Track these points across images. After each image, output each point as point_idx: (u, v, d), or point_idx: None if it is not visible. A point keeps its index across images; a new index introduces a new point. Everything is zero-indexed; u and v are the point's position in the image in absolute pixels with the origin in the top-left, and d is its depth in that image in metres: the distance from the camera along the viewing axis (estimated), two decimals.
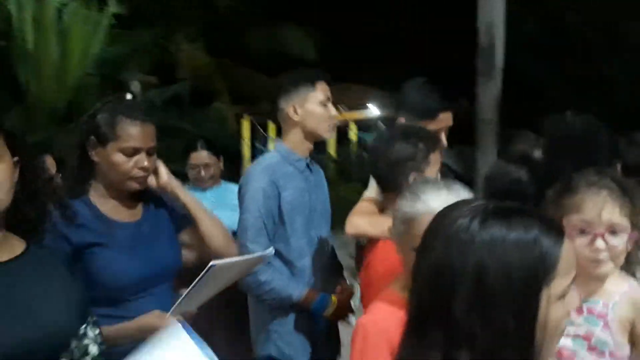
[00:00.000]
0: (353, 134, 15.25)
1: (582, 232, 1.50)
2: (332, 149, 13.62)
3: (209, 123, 9.08)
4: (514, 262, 0.89)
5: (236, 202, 2.43)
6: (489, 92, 11.41)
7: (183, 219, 2.02)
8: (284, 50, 14.43)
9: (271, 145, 14.59)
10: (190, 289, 1.75)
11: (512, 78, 13.87)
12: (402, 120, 2.40)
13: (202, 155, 3.10)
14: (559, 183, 1.63)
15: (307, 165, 2.40)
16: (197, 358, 1.20)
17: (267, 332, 2.28)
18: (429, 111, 2.38)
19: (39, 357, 1.26)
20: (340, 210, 2.39)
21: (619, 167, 2.23)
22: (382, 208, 2.08)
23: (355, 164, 12.83)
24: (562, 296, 0.92)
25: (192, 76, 13.16)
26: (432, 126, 2.36)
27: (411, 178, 1.91)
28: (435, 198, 1.38)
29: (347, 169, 11.99)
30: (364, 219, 2.05)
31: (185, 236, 2.03)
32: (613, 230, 1.50)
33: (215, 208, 2.59)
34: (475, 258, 0.90)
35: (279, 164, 2.30)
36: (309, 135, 2.32)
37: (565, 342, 1.49)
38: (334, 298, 2.27)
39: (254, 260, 1.99)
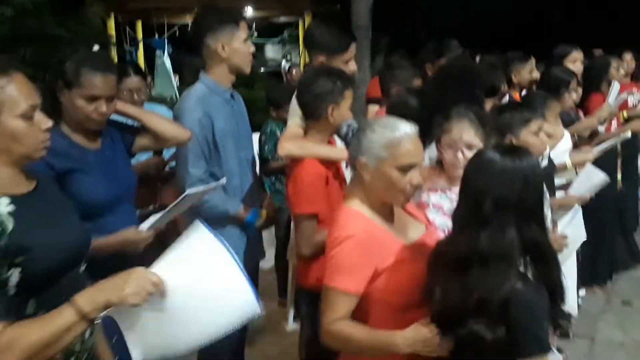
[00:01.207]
0: None
1: (450, 147, 2.13)
2: None
3: (83, 28, 8.46)
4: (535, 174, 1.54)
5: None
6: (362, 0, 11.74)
7: (133, 130, 2.26)
8: None
9: (140, 47, 13.91)
10: (166, 211, 2.04)
11: None
12: (320, 58, 2.61)
13: (134, 81, 3.09)
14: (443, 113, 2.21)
15: (231, 95, 2.60)
16: (218, 248, 1.43)
17: None
18: (340, 46, 2.63)
19: (78, 261, 1.52)
20: None
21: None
22: (305, 132, 2.37)
23: None
24: None
25: None
26: (345, 57, 2.63)
27: (329, 110, 2.23)
28: (404, 126, 1.69)
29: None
30: (294, 143, 2.33)
31: (142, 140, 2.26)
32: (469, 147, 2.08)
33: None
34: (519, 174, 1.50)
35: (208, 96, 2.48)
36: (233, 69, 2.52)
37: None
38: (263, 212, 2.62)
39: (212, 187, 2.28)
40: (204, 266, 1.43)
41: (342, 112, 2.28)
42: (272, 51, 16.58)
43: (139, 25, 14.33)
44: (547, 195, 2.50)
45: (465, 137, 2.10)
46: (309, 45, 2.75)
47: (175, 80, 12.81)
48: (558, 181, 3.22)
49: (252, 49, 2.50)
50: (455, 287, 1.48)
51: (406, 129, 1.69)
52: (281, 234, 4.01)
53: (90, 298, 1.35)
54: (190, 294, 1.41)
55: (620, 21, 19.29)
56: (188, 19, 14.14)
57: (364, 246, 1.65)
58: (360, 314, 1.69)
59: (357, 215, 1.71)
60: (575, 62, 3.82)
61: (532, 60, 3.80)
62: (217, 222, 2.40)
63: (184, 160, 2.41)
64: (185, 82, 13.10)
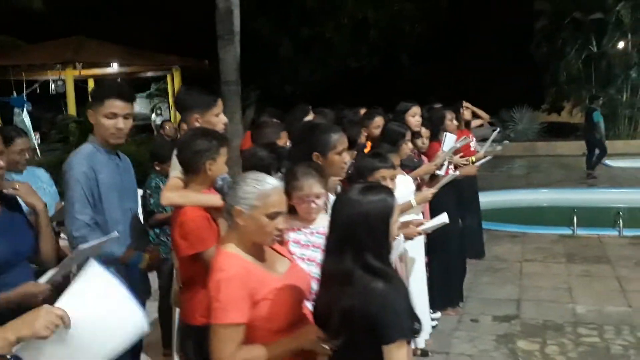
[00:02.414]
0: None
1: (303, 200, 2.51)
2: (72, 108, 12.92)
3: None
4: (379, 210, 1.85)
5: (40, 184, 2.82)
6: (230, 55, 12.23)
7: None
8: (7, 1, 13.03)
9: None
10: (61, 265, 2.23)
11: (249, 40, 14.82)
12: (195, 116, 2.93)
13: (23, 142, 3.23)
14: (288, 171, 2.60)
15: (117, 154, 2.86)
16: (108, 279, 1.66)
17: None
18: (210, 102, 2.98)
19: None
20: None
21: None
22: (185, 184, 2.66)
23: None
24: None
25: None
26: (215, 110, 2.98)
27: (207, 165, 2.56)
28: (272, 181, 2.03)
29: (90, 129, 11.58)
30: (175, 193, 2.62)
31: None
32: (318, 196, 2.49)
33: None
34: (356, 210, 1.83)
35: (94, 153, 2.75)
36: (102, 138, 2.79)
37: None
38: (145, 255, 2.86)
39: (105, 242, 2.48)
40: (98, 295, 1.68)
41: (219, 167, 2.61)
42: (140, 105, 16.51)
43: None
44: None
45: (314, 190, 2.49)
46: (182, 108, 3.05)
47: (36, 138, 12.34)
48: (406, 217, 3.74)
49: (120, 125, 2.75)
50: (319, 300, 1.84)
51: (274, 182, 2.04)
52: (164, 283, 4.18)
53: (1, 336, 1.52)
54: (88, 320, 1.63)
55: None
56: (49, 75, 13.76)
57: (242, 282, 1.93)
58: (244, 341, 1.98)
59: (233, 256, 1.99)
60: (414, 115, 4.47)
61: (380, 116, 4.41)
62: (104, 263, 2.62)
63: (71, 208, 2.63)
64: (47, 140, 12.66)
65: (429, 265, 4.65)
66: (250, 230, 1.99)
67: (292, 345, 1.96)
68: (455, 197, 5.14)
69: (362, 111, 5.21)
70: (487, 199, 8.90)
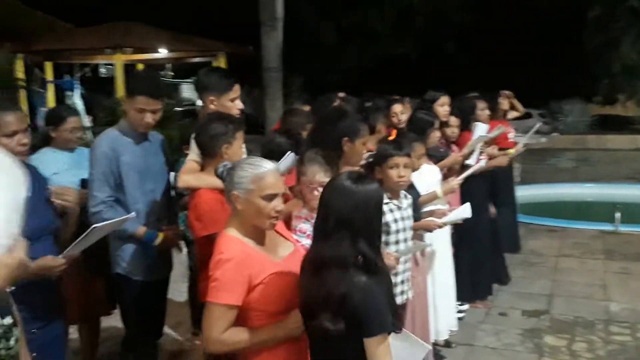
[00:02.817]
0: None
1: (307, 186, 2.52)
2: (121, 92, 13.27)
3: None
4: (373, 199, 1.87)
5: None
6: (272, 42, 12.31)
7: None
8: None
9: (50, 89, 13.69)
10: (77, 242, 2.33)
11: (293, 27, 14.86)
12: (210, 98, 2.98)
13: (75, 120, 3.38)
14: (300, 156, 2.63)
15: (146, 137, 2.97)
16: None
17: (115, 256, 2.95)
18: (225, 86, 3.02)
19: None
20: None
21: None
22: (202, 167, 2.72)
23: None
24: None
25: None
26: (231, 95, 3.02)
27: (224, 149, 2.60)
28: (266, 164, 2.06)
29: None
30: (191, 176, 2.68)
31: None
32: (321, 185, 2.41)
33: (73, 168, 3.20)
34: (354, 198, 1.84)
35: (119, 136, 2.88)
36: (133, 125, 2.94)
37: None
38: (161, 234, 2.95)
39: (121, 221, 2.59)
40: None
41: (235, 150, 2.65)
42: (187, 91, 16.81)
43: (49, 66, 14.17)
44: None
45: (317, 178, 2.51)
46: (199, 89, 3.10)
47: (87, 121, 12.74)
48: (431, 207, 3.71)
49: (148, 119, 2.88)
50: (309, 286, 1.85)
51: (268, 165, 2.07)
52: (193, 264, 4.28)
53: None
54: None
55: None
56: (99, 59, 14.15)
57: (240, 265, 1.97)
58: (240, 322, 2.01)
59: (233, 239, 2.03)
60: (443, 105, 4.40)
61: (400, 104, 4.37)
62: (119, 238, 2.83)
63: (91, 185, 2.79)
64: (99, 123, 13.08)
65: (457, 257, 4.61)
66: (248, 213, 2.03)
67: (278, 332, 1.98)
68: (487, 188, 5.07)
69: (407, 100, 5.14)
70: (529, 192, 8.76)
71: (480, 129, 4.56)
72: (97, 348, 3.63)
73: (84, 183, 3.03)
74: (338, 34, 18.31)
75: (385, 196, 2.90)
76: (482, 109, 4.95)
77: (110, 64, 13.63)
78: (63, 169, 3.25)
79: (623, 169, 12.74)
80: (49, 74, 14.14)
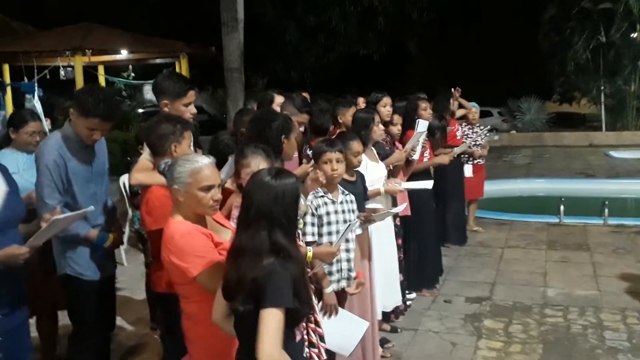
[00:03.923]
0: (102, 77, 14.87)
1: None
2: None
3: None
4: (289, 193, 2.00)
5: None
6: (233, 43, 12.42)
7: None
8: None
9: (8, 91, 13.53)
10: (39, 233, 2.49)
11: (256, 27, 14.95)
12: (164, 102, 3.16)
13: (36, 125, 3.56)
14: (238, 151, 2.77)
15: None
16: None
17: (64, 258, 3.08)
18: (180, 92, 3.21)
19: None
20: None
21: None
22: (154, 165, 2.88)
23: None
24: None
25: None
26: (184, 100, 3.20)
27: (173, 147, 2.77)
28: (202, 159, 2.28)
29: None
30: (142, 174, 2.85)
31: None
32: None
33: (30, 168, 3.28)
34: (273, 191, 1.97)
35: (65, 141, 2.97)
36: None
37: None
38: (110, 235, 3.12)
39: (81, 214, 2.75)
40: None
41: (183, 149, 2.80)
42: (149, 92, 16.74)
43: (6, 68, 14.00)
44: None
45: (262, 167, 2.58)
46: (156, 92, 3.27)
47: (47, 123, 12.64)
48: (372, 205, 3.94)
49: (96, 137, 2.99)
50: (228, 272, 2.02)
51: (204, 160, 2.28)
52: (148, 261, 4.44)
53: None
54: None
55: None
56: (59, 62, 14.04)
57: (197, 233, 2.20)
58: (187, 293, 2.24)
59: (181, 222, 2.25)
60: (385, 106, 4.66)
61: (353, 107, 4.62)
62: (71, 241, 2.96)
63: (41, 192, 2.88)
64: (58, 125, 12.99)
65: (404, 249, 4.88)
66: (189, 204, 2.24)
67: None
68: (435, 184, 5.35)
69: (361, 100, 5.38)
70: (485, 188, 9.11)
71: (421, 125, 4.84)
72: (56, 342, 3.75)
73: None
74: (301, 33, 18.48)
75: (320, 190, 3.13)
76: (425, 108, 5.22)
77: (71, 66, 13.56)
78: (22, 168, 3.40)
79: (576, 164, 13.28)
80: (7, 77, 14.00)
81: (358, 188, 3.78)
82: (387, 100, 4.64)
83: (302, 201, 2.86)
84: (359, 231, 3.35)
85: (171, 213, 2.31)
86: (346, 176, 3.69)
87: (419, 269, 5.14)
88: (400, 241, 4.58)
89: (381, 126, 4.16)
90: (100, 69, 14.80)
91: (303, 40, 18.45)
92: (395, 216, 4.47)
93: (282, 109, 4.07)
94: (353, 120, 4.17)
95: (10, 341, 2.41)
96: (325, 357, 2.91)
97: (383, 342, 4.16)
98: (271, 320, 1.84)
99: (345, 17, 18.10)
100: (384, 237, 4.20)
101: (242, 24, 12.52)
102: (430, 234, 5.28)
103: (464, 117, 7.00)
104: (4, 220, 2.45)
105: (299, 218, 2.80)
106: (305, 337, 2.83)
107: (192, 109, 3.24)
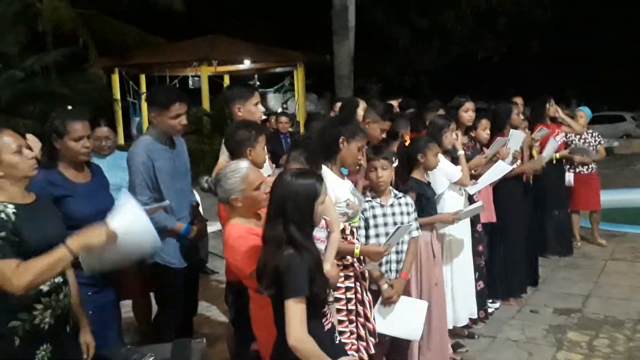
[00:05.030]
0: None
1: None
2: (205, 102, 14.22)
3: (83, 85, 9.54)
4: (304, 192, 2.21)
5: (125, 165, 3.57)
6: (344, 50, 12.79)
7: None
8: (151, 1, 14.65)
9: (143, 100, 14.92)
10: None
11: (365, 34, 15.20)
12: (237, 107, 3.48)
13: (103, 130, 4.07)
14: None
15: (173, 142, 3.48)
16: (137, 208, 2.43)
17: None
18: (248, 95, 3.52)
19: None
20: (216, 160, 3.47)
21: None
22: None
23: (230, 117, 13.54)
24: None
25: (56, 28, 13.04)
26: (253, 100, 3.50)
27: (248, 151, 3.07)
28: (242, 164, 2.57)
29: (220, 121, 12.62)
30: None
31: None
32: None
33: (111, 169, 3.69)
34: (289, 189, 2.20)
35: (152, 143, 3.37)
36: (166, 133, 3.42)
37: None
38: (194, 227, 3.47)
39: (160, 207, 3.20)
40: (131, 218, 2.42)
41: (258, 152, 3.11)
42: (273, 99, 17.57)
43: (142, 78, 15.43)
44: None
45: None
46: (226, 101, 3.62)
47: None
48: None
49: (184, 122, 3.38)
50: (260, 257, 2.23)
51: (244, 164, 2.56)
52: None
53: (77, 241, 2.22)
54: (124, 236, 2.35)
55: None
56: (188, 72, 15.23)
57: (247, 235, 2.46)
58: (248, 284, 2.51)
59: (237, 225, 2.53)
60: (467, 111, 4.65)
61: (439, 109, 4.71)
62: (161, 234, 3.29)
63: (133, 191, 3.27)
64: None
65: (490, 256, 4.85)
66: (248, 206, 2.52)
67: None
68: (522, 190, 5.25)
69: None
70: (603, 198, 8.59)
71: (515, 137, 4.78)
72: (151, 323, 4.20)
73: None
74: (413, 36, 18.40)
75: (369, 194, 3.30)
76: (517, 113, 5.14)
77: (198, 76, 14.69)
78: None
79: None
80: (143, 86, 15.45)
81: (432, 190, 3.89)
82: (469, 105, 4.65)
83: (355, 200, 3.06)
84: (415, 233, 3.45)
85: (228, 218, 2.59)
86: (422, 179, 3.83)
87: (505, 277, 5.06)
88: (481, 247, 4.58)
89: (454, 134, 4.19)
90: (226, 79, 15.86)
91: (416, 44, 18.40)
92: (476, 222, 4.49)
93: (365, 116, 4.28)
94: (429, 124, 4.27)
95: (99, 316, 2.81)
96: (373, 351, 3.10)
97: (457, 346, 4.20)
98: (294, 309, 2.09)
99: (460, 19, 17.78)
100: (461, 242, 4.24)
101: (353, 31, 12.87)
102: (519, 241, 5.16)
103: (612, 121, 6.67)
104: (90, 212, 2.82)
105: (350, 216, 3.01)
106: (354, 330, 3.04)
107: (262, 108, 3.55)
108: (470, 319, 4.43)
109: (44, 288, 2.29)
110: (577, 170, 6.56)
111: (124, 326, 3.57)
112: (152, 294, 3.81)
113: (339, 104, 5.25)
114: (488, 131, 4.87)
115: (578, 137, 6.64)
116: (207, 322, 4.89)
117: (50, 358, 2.33)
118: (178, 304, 3.51)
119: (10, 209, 2.22)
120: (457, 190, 4.17)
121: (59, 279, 2.38)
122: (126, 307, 4.04)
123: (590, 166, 6.65)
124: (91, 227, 2.31)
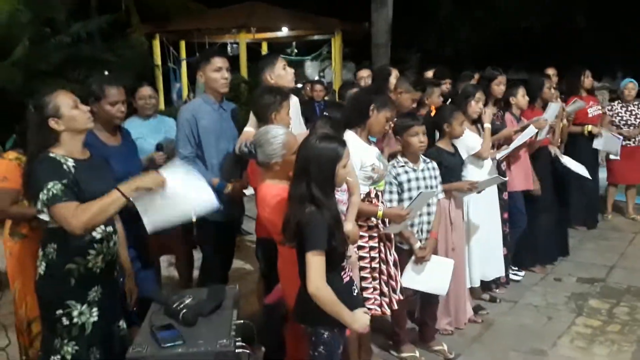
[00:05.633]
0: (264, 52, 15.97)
1: None
2: (243, 69, 14.39)
3: (126, 51, 9.82)
4: (327, 154, 2.37)
5: (165, 129, 4.00)
6: (381, 18, 12.71)
7: None
8: None
9: (183, 66, 15.21)
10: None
11: (405, 3, 15.04)
12: (267, 74, 3.65)
13: (147, 89, 4.26)
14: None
15: (220, 105, 3.69)
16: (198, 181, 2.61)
17: None
18: (274, 60, 3.70)
19: None
20: None
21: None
22: None
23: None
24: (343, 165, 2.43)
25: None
26: (280, 64, 3.67)
27: (273, 116, 3.23)
28: (280, 130, 2.74)
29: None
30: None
31: None
32: None
33: (153, 132, 3.93)
34: (312, 152, 2.37)
35: (200, 104, 3.63)
36: (213, 90, 3.64)
37: None
38: (229, 185, 3.63)
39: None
40: (182, 172, 2.60)
41: (282, 117, 3.26)
42: (310, 67, 17.64)
43: (182, 44, 15.67)
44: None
45: None
46: (260, 72, 3.79)
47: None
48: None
49: (226, 75, 3.60)
50: (286, 212, 2.42)
51: (282, 130, 2.73)
52: None
53: (127, 185, 2.43)
54: (178, 188, 2.51)
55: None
56: (227, 38, 15.41)
57: (282, 198, 2.62)
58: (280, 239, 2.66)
59: (273, 185, 2.71)
60: (499, 84, 4.71)
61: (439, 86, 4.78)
62: None
63: (176, 144, 3.57)
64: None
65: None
66: (286, 169, 2.68)
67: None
68: (548, 162, 5.31)
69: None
70: None
71: (552, 109, 4.84)
72: (191, 281, 4.47)
73: (158, 146, 3.90)
74: (455, 6, 18.06)
75: (401, 160, 3.46)
76: (549, 87, 5.18)
77: (236, 43, 14.85)
78: (145, 134, 4.03)
79: None
80: (183, 52, 15.72)
81: (457, 159, 4.03)
82: (502, 78, 4.71)
83: (380, 165, 3.24)
84: (441, 195, 3.62)
85: (262, 179, 2.78)
86: (446, 147, 3.97)
87: (530, 245, 5.16)
88: (506, 215, 4.70)
89: (479, 105, 4.27)
90: (264, 46, 15.97)
91: (457, 14, 18.07)
92: (502, 190, 4.60)
93: (397, 85, 4.41)
94: (457, 93, 4.37)
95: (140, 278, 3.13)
96: (396, 307, 3.30)
97: (478, 309, 4.37)
98: (314, 261, 2.29)
99: None
100: (486, 209, 4.38)
101: None
102: (546, 212, 5.24)
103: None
104: (123, 174, 2.89)
105: (375, 180, 3.19)
106: (377, 286, 3.25)
107: (290, 70, 3.72)
108: (491, 282, 4.60)
109: (97, 235, 2.55)
110: (624, 143, 6.48)
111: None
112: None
113: (362, 72, 5.29)
114: (527, 97, 4.91)
115: (625, 109, 6.58)
116: (240, 277, 5.17)
117: (100, 298, 2.61)
118: (214, 256, 3.75)
119: (71, 163, 2.47)
120: (479, 161, 4.29)
121: (109, 228, 2.64)
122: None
123: (636, 139, 6.58)
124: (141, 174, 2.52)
